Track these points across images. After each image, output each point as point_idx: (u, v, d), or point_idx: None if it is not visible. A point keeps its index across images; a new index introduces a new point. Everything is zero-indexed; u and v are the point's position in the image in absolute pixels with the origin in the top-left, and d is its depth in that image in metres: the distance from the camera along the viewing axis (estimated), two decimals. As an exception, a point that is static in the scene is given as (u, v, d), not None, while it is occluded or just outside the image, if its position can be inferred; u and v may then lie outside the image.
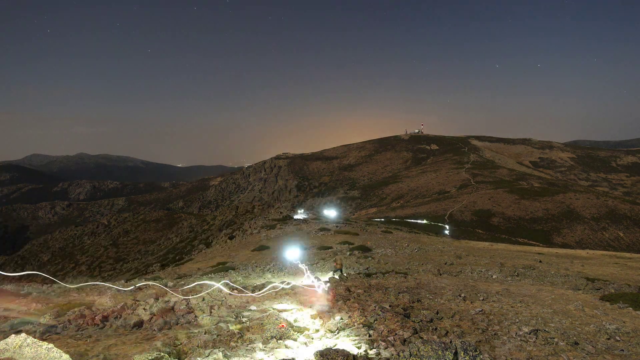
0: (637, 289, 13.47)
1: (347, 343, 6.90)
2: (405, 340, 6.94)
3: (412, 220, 67.94)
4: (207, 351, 6.00)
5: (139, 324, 8.35)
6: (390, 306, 9.69)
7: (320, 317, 8.72)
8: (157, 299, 10.28)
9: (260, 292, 11.87)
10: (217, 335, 7.16)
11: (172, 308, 9.61)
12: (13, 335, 4.96)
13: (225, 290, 12.24)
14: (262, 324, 7.86)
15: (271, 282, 13.38)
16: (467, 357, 5.13)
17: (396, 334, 7.29)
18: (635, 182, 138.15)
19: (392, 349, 6.49)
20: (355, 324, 8.00)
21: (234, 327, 7.98)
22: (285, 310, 9.44)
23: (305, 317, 8.80)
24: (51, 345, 4.96)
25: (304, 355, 6.29)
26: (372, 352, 6.35)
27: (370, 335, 7.29)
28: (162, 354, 5.79)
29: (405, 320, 8.18)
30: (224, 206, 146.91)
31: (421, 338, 6.98)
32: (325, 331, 7.77)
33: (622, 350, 6.75)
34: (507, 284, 14.21)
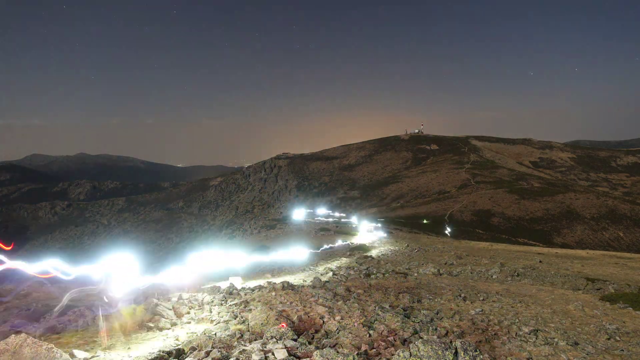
0: (637, 289, 13.47)
1: (347, 343, 6.90)
2: (405, 340, 6.94)
3: (412, 220, 67.95)
4: (207, 351, 6.00)
5: (140, 324, 8.34)
6: (390, 306, 9.70)
7: (321, 317, 8.72)
8: (157, 298, 10.29)
9: (261, 291, 11.87)
10: (217, 335, 7.16)
11: (173, 307, 9.61)
12: (13, 335, 4.96)
13: (225, 290, 12.25)
14: (262, 323, 7.86)
15: (271, 282, 13.38)
16: (467, 357, 5.13)
17: (396, 334, 7.30)
18: (635, 182, 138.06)
19: (392, 349, 6.49)
20: (356, 324, 8.00)
21: (234, 327, 7.98)
22: (285, 310, 9.43)
23: (305, 317, 8.80)
24: (51, 345, 4.96)
25: (305, 356, 6.30)
26: (372, 352, 6.36)
27: (370, 335, 7.30)
28: (162, 353, 5.80)
29: (405, 320, 8.19)
30: (224, 206, 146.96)
31: (421, 338, 6.99)
32: (326, 331, 7.78)
33: (622, 350, 6.75)
34: (507, 284, 14.21)
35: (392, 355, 6.09)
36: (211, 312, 9.46)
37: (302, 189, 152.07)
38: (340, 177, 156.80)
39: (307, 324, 8.22)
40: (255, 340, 6.98)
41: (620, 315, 9.04)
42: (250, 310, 9.70)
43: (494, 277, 16.45)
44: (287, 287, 12.27)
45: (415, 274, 16.58)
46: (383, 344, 6.75)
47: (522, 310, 9.55)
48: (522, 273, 17.35)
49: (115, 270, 8.45)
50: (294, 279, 16.32)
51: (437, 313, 9.17)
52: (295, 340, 6.97)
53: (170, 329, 8.15)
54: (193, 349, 6.26)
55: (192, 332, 7.80)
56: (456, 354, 5.20)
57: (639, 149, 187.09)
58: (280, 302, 10.34)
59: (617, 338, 7.35)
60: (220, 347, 6.24)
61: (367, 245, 28.97)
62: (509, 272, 17.44)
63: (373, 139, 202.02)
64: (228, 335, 7.25)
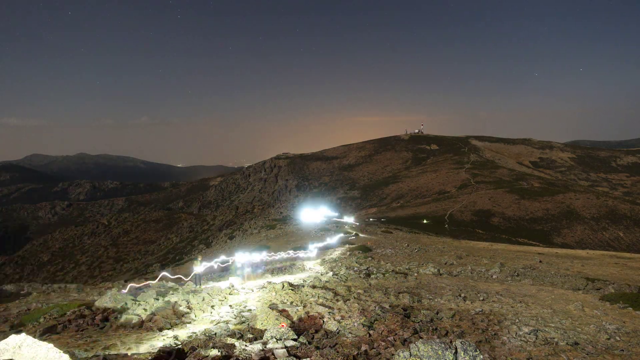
0: (637, 289, 13.47)
1: (347, 343, 6.90)
2: (405, 340, 6.94)
3: (412, 220, 67.94)
4: (207, 351, 5.99)
5: (139, 324, 8.34)
6: (390, 306, 9.69)
7: (320, 318, 8.71)
8: (157, 299, 10.29)
9: (261, 292, 11.87)
10: (218, 335, 7.16)
11: (173, 308, 9.61)
12: (13, 335, 4.95)
13: (225, 290, 12.25)
14: (262, 323, 7.87)
15: (271, 282, 13.38)
16: (467, 357, 5.12)
17: (396, 334, 7.30)
18: (635, 182, 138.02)
19: (392, 349, 6.49)
20: (356, 323, 8.00)
21: (234, 327, 7.98)
22: (286, 310, 9.43)
23: (305, 317, 8.80)
24: (51, 345, 4.95)
25: (305, 355, 6.29)
26: (372, 352, 6.35)
27: (370, 335, 7.30)
28: (162, 353, 5.79)
29: (405, 320, 8.18)
30: (224, 206, 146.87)
31: (421, 338, 6.98)
32: (326, 331, 7.78)
33: (622, 350, 6.75)
34: (507, 284, 14.22)
35: (392, 355, 6.08)
36: (211, 312, 9.46)
37: (302, 189, 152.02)
38: (340, 177, 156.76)
39: (307, 324, 8.22)
40: (256, 340, 6.98)
41: (620, 315, 9.03)
42: (250, 310, 9.70)
43: (494, 277, 16.45)
44: (287, 287, 12.27)
45: (415, 274, 16.57)
46: (383, 344, 6.75)
47: (522, 310, 9.55)
48: (522, 273, 17.34)
49: None
50: (294, 279, 16.31)
51: (437, 313, 9.16)
52: (295, 340, 6.97)
53: (170, 329, 8.15)
54: (193, 349, 6.25)
55: (192, 332, 7.79)
56: (456, 354, 5.20)
57: (639, 149, 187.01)
58: (281, 302, 10.34)
59: (617, 338, 7.34)
60: (220, 347, 6.24)
61: (367, 245, 28.97)
62: (509, 272, 17.43)
63: (373, 139, 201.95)
64: (228, 335, 7.25)
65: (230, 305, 10.16)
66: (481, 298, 11.08)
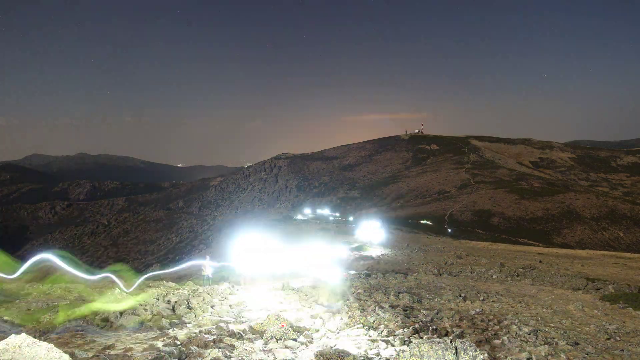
0: (637, 289, 13.48)
1: (347, 343, 6.90)
2: (405, 340, 6.94)
3: (412, 220, 67.95)
4: (207, 351, 5.99)
5: (139, 324, 8.34)
6: (390, 306, 9.69)
7: (321, 317, 8.71)
8: (157, 299, 10.29)
9: (261, 292, 11.87)
10: (218, 335, 7.16)
11: (173, 308, 9.61)
12: (13, 335, 4.95)
13: (226, 290, 12.25)
14: (262, 323, 7.86)
15: (272, 282, 13.38)
16: (467, 357, 5.12)
17: (396, 333, 7.29)
18: (635, 182, 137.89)
19: (392, 349, 6.49)
20: (356, 324, 8.00)
21: (234, 327, 7.98)
22: (285, 311, 9.43)
23: (305, 317, 8.80)
24: (51, 345, 4.95)
25: (304, 356, 6.29)
26: (372, 352, 6.35)
27: (370, 336, 7.29)
28: (162, 354, 5.79)
29: (405, 320, 8.18)
30: (224, 206, 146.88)
31: (421, 338, 6.98)
32: (326, 331, 7.78)
33: (622, 350, 6.75)
34: (507, 284, 14.22)
35: (392, 355, 6.09)
36: (211, 312, 9.46)
37: (302, 189, 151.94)
38: (340, 177, 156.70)
39: (307, 324, 8.22)
40: (256, 340, 6.99)
41: (620, 315, 9.04)
42: (251, 310, 9.70)
43: (494, 277, 16.45)
44: (287, 287, 12.28)
45: (415, 274, 16.58)
46: (383, 344, 6.75)
47: (522, 310, 9.56)
48: (522, 273, 17.34)
49: None
50: (294, 280, 16.32)
51: (437, 313, 9.16)
52: (295, 340, 6.98)
53: (170, 329, 8.15)
54: (193, 349, 6.26)
55: (192, 332, 7.79)
56: (456, 354, 5.20)
57: (639, 149, 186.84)
58: (281, 302, 10.35)
59: (617, 338, 7.35)
60: (220, 347, 6.24)
61: (367, 245, 28.97)
62: (509, 272, 17.44)
63: (373, 139, 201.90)
64: (228, 335, 7.25)
65: (230, 305, 10.16)
66: (481, 298, 11.09)
